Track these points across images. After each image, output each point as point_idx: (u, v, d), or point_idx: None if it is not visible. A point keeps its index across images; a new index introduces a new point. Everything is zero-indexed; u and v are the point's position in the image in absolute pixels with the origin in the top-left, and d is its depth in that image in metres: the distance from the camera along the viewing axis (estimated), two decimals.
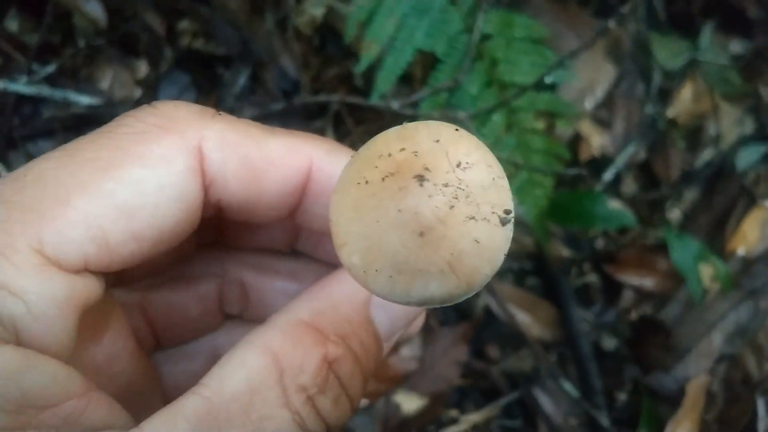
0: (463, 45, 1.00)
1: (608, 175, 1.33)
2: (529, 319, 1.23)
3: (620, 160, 1.34)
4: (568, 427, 1.19)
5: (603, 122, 1.35)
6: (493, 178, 0.31)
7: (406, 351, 1.12)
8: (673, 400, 1.16)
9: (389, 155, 0.30)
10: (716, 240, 1.31)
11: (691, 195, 1.37)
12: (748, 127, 1.39)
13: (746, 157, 1.35)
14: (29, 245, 0.30)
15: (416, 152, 0.30)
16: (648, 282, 1.28)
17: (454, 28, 1.01)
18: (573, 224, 1.27)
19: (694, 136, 1.39)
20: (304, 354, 0.32)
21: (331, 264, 0.43)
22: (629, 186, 1.37)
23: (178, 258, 0.43)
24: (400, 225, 0.29)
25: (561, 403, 1.20)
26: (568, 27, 1.28)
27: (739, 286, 1.23)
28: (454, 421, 1.16)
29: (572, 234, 1.31)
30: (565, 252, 1.29)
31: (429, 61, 1.03)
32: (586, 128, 1.33)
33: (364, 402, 1.09)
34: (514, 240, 0.39)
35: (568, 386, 1.20)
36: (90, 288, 0.32)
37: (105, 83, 1.11)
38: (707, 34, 1.37)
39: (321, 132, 1.13)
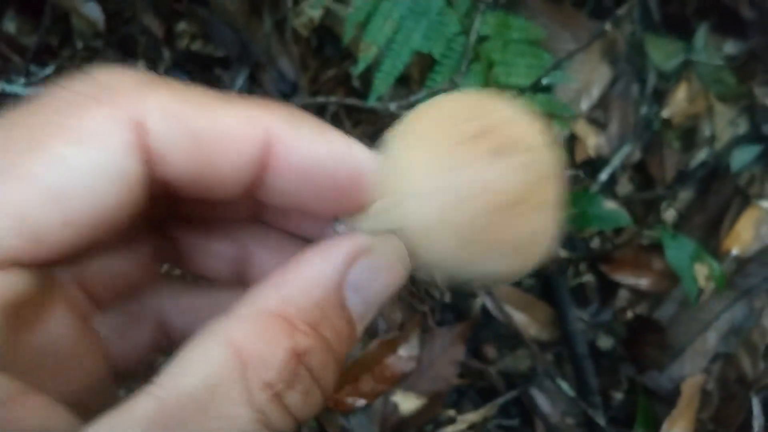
0: (460, 47, 1.01)
1: (604, 176, 1.34)
2: (525, 319, 1.23)
3: (615, 161, 1.35)
4: (564, 426, 1.20)
5: (598, 123, 1.36)
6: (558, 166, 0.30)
7: (404, 351, 1.13)
8: (669, 399, 1.17)
9: (474, 119, 0.28)
10: (711, 240, 1.32)
11: (685, 195, 1.38)
12: (743, 127, 1.39)
13: (740, 158, 1.36)
14: None
15: (504, 122, 0.28)
16: (643, 282, 1.29)
17: (451, 30, 1.01)
18: (569, 224, 1.28)
19: (689, 136, 1.40)
20: (269, 346, 0.29)
21: (297, 237, 0.40)
22: (624, 186, 1.37)
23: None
24: (490, 192, 0.26)
25: (558, 403, 1.21)
26: (564, 28, 1.28)
27: (734, 286, 1.24)
28: (451, 421, 1.17)
29: (568, 234, 1.32)
30: (561, 252, 1.30)
31: (426, 63, 1.03)
32: (582, 129, 1.34)
33: (361, 402, 1.10)
34: None
35: (565, 386, 1.20)
36: (21, 283, 0.28)
37: None
38: (702, 35, 1.37)
39: None
